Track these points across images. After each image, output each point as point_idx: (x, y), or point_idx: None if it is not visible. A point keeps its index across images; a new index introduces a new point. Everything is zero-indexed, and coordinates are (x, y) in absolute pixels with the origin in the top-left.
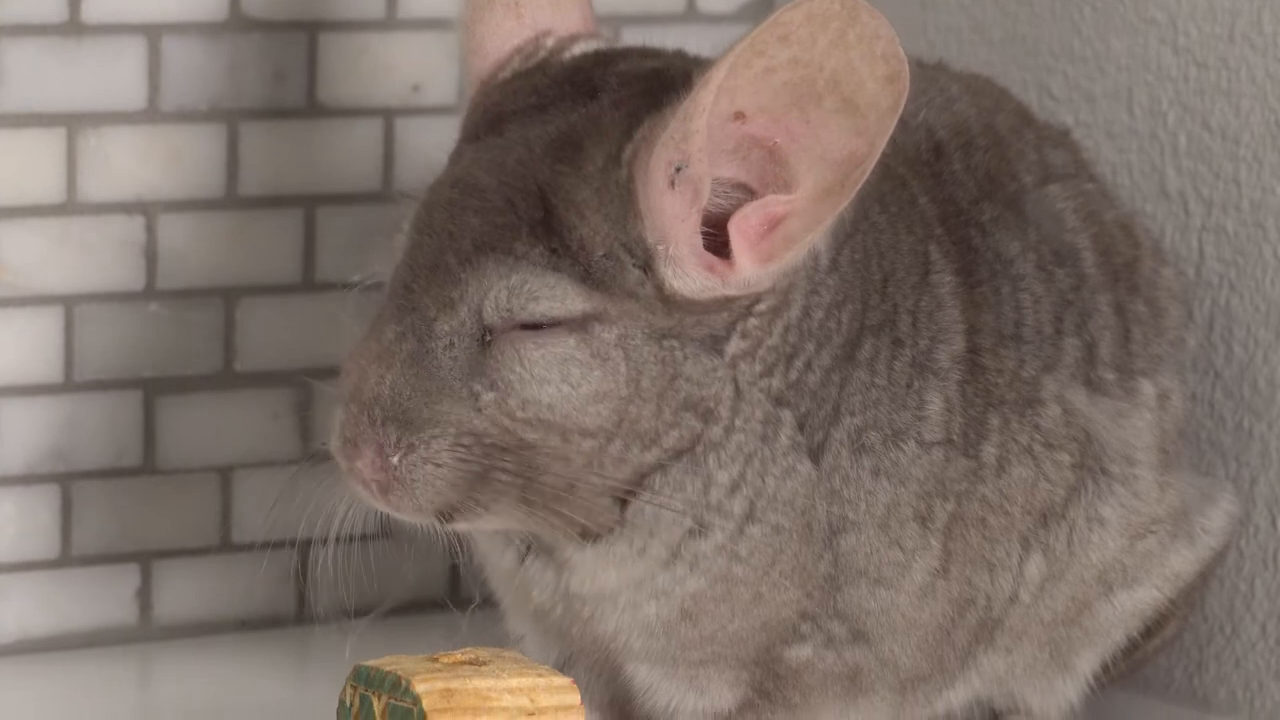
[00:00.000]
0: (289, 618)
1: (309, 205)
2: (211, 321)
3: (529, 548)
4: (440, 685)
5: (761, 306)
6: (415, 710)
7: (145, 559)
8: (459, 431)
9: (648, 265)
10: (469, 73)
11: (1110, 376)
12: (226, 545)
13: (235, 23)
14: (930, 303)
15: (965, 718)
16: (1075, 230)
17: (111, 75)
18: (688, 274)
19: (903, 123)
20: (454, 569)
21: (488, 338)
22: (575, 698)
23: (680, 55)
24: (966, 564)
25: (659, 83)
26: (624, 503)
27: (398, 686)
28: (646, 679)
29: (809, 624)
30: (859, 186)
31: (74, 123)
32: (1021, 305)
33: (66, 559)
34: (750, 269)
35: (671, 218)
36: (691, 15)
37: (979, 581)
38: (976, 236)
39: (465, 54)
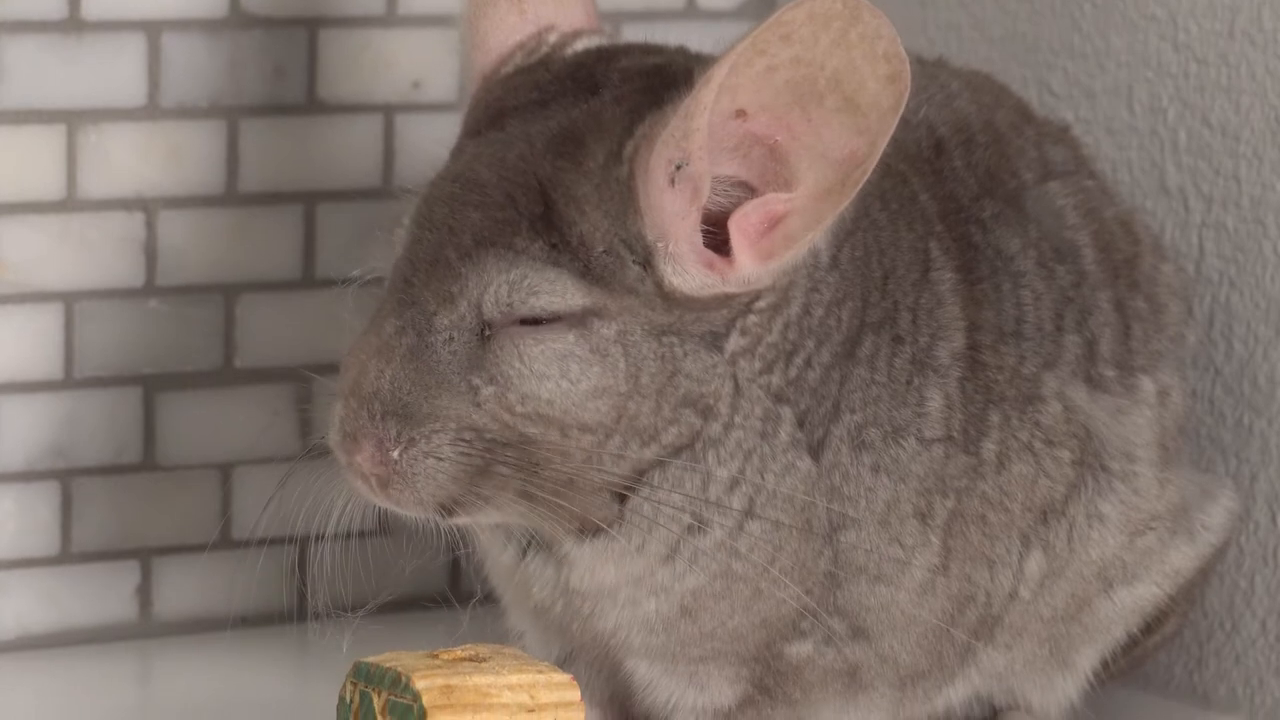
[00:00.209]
0: (289, 614)
1: (309, 202)
2: (211, 318)
3: (529, 544)
4: (440, 682)
5: (761, 304)
6: (415, 706)
7: (145, 555)
8: (460, 426)
9: (647, 262)
10: (471, 68)
11: (1110, 373)
12: (226, 542)
13: (235, 19)
14: (930, 300)
15: (965, 714)
16: (1075, 227)
17: (112, 72)
18: (687, 271)
19: (903, 120)
20: (454, 565)
21: (487, 332)
22: (575, 694)
23: (682, 52)
24: (966, 561)
25: (660, 79)
26: (623, 499)
27: (398, 683)
28: (646, 675)
29: (809, 620)
30: (860, 186)
31: (74, 119)
32: (1022, 302)
33: (66, 555)
34: (750, 267)
35: (671, 215)
36: (692, 12)
37: (979, 578)
38: (977, 233)
39: (468, 49)
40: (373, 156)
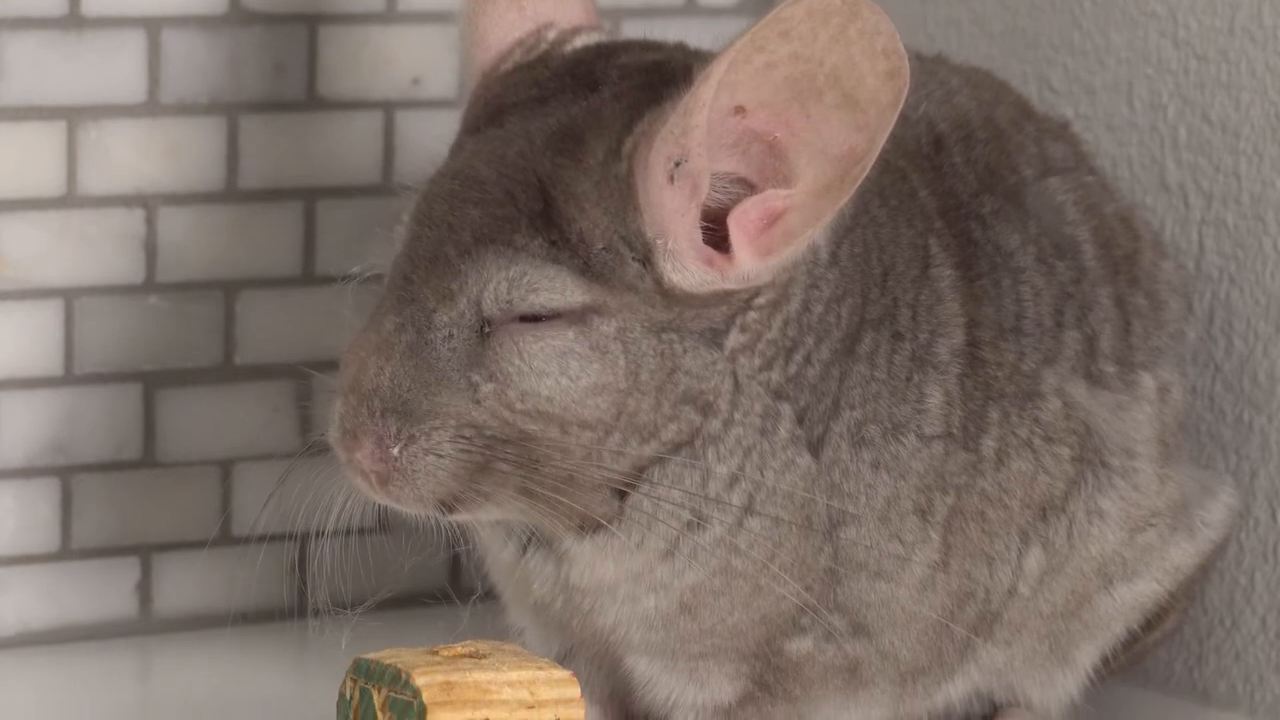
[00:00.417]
0: (289, 611)
1: (309, 198)
2: (211, 314)
3: (529, 541)
4: (440, 678)
5: (761, 300)
6: (415, 703)
7: (145, 552)
8: (459, 423)
9: (647, 259)
10: (470, 64)
11: (1110, 369)
12: (226, 538)
13: (235, 16)
14: (930, 296)
15: (965, 711)
16: (1075, 223)
17: (111, 68)
18: (686, 268)
19: (903, 116)
20: (454, 561)
21: (486, 329)
22: (575, 691)
23: (681, 48)
24: (966, 557)
25: (660, 76)
26: (623, 495)
27: (398, 679)
28: (646, 672)
29: (809, 617)
30: (859, 182)
31: (74, 116)
32: (1022, 298)
33: (66, 552)
34: (749, 263)
35: (671, 212)
36: (692, 8)
37: (978, 575)
38: (976, 229)
39: (467, 46)
40: (373, 153)
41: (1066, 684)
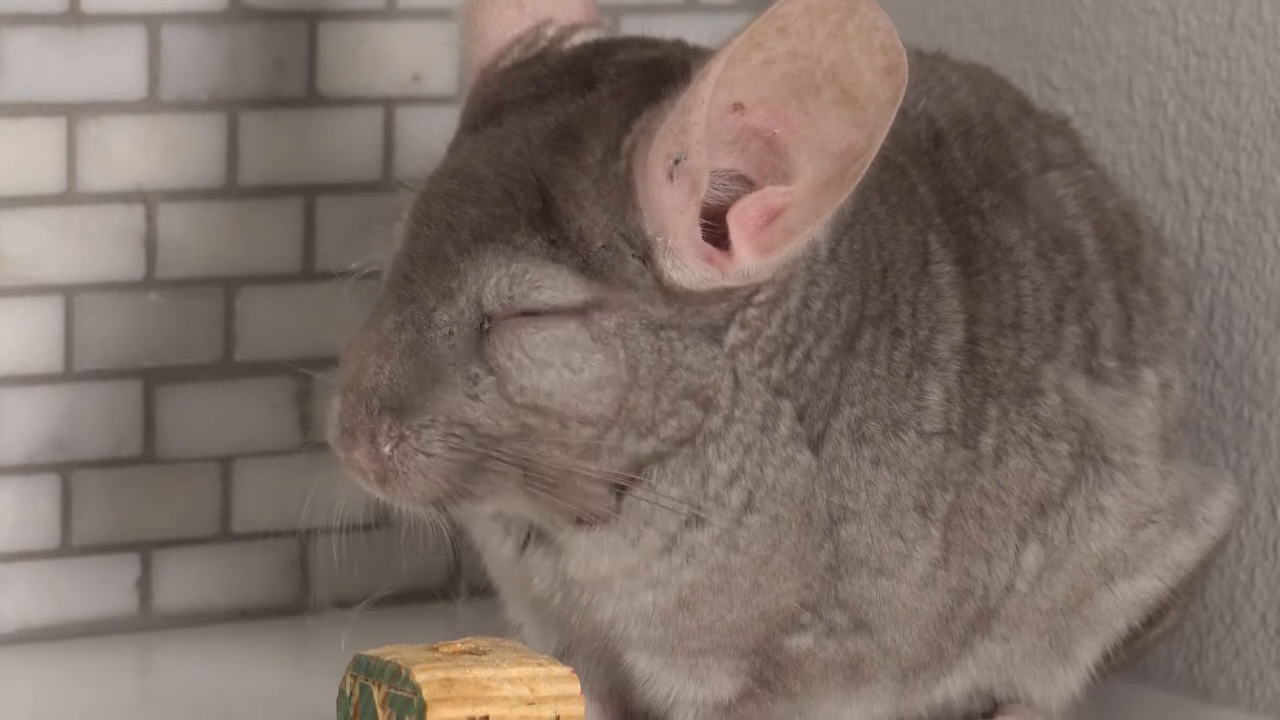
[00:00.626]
0: (289, 607)
1: (309, 195)
2: (211, 311)
3: (529, 537)
4: (440, 674)
5: (760, 297)
6: (415, 699)
7: (145, 548)
8: (450, 420)
9: (647, 256)
10: (470, 61)
11: (1112, 365)
12: (226, 535)
13: (235, 12)
14: (930, 293)
15: (966, 707)
16: (1076, 217)
17: (111, 65)
18: (686, 265)
19: (902, 112)
20: (454, 557)
21: (486, 325)
22: (575, 687)
23: (679, 45)
24: (965, 554)
25: (658, 73)
26: (620, 492)
27: (398, 676)
28: (646, 668)
29: (809, 614)
30: (859, 178)
31: (74, 112)
32: (1021, 293)
33: (66, 548)
34: (749, 260)
35: (670, 209)
36: (691, 5)
37: (976, 571)
38: (976, 224)
39: (466, 42)
40: (372, 149)
41: (1067, 680)
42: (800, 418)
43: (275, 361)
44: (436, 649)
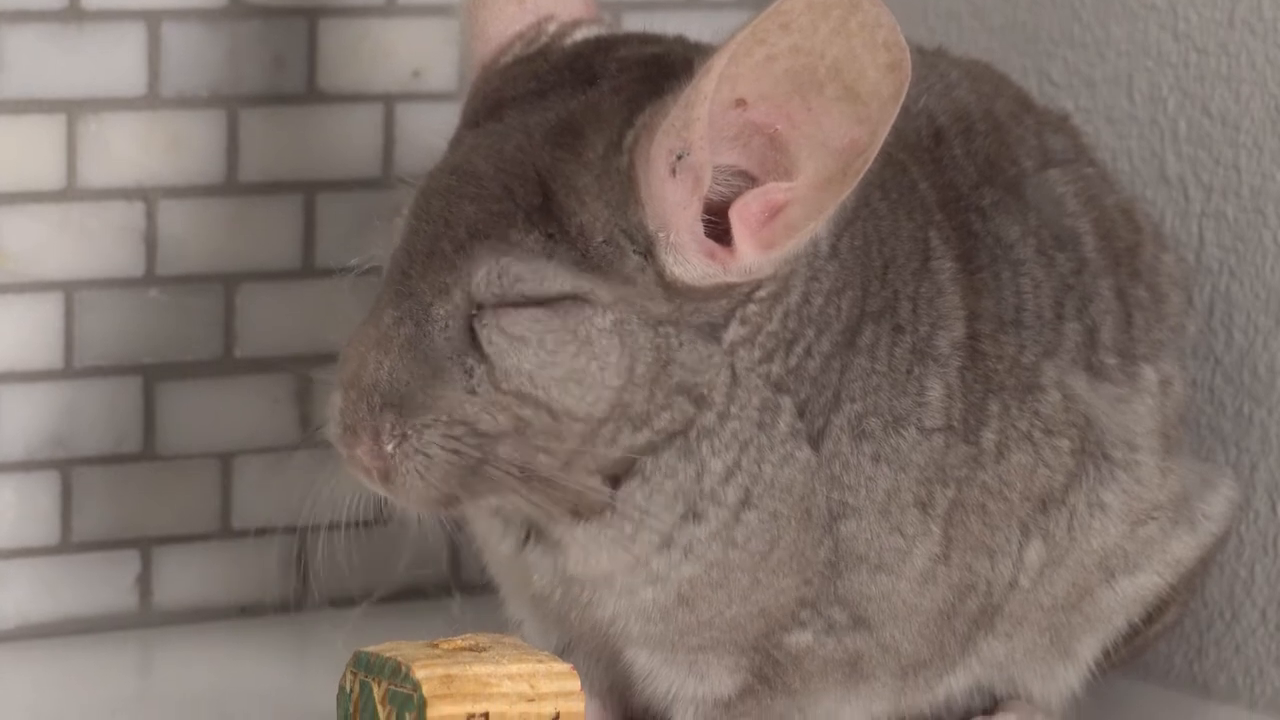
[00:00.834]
0: (289, 604)
1: (309, 191)
2: (211, 307)
3: (528, 534)
4: (440, 671)
5: (762, 293)
6: (415, 696)
7: (145, 545)
8: (450, 420)
9: (648, 252)
10: (470, 57)
11: (1112, 361)
12: (226, 531)
13: (235, 9)
14: (930, 289)
15: (966, 704)
16: (1076, 215)
17: (112, 61)
18: (689, 261)
19: (903, 109)
20: (454, 553)
21: (475, 313)
22: (575, 684)
23: (681, 41)
24: (967, 550)
25: (659, 69)
26: (616, 482)
27: (398, 672)
28: (646, 665)
29: (809, 610)
30: (861, 175)
31: (74, 109)
32: (1022, 290)
33: (66, 545)
34: (751, 256)
35: (673, 205)
36: (693, 2)
37: (979, 567)
38: (977, 222)
39: (467, 39)
40: (372, 146)
41: (1067, 677)
42: (800, 413)
43: (275, 358)
44: (436, 645)
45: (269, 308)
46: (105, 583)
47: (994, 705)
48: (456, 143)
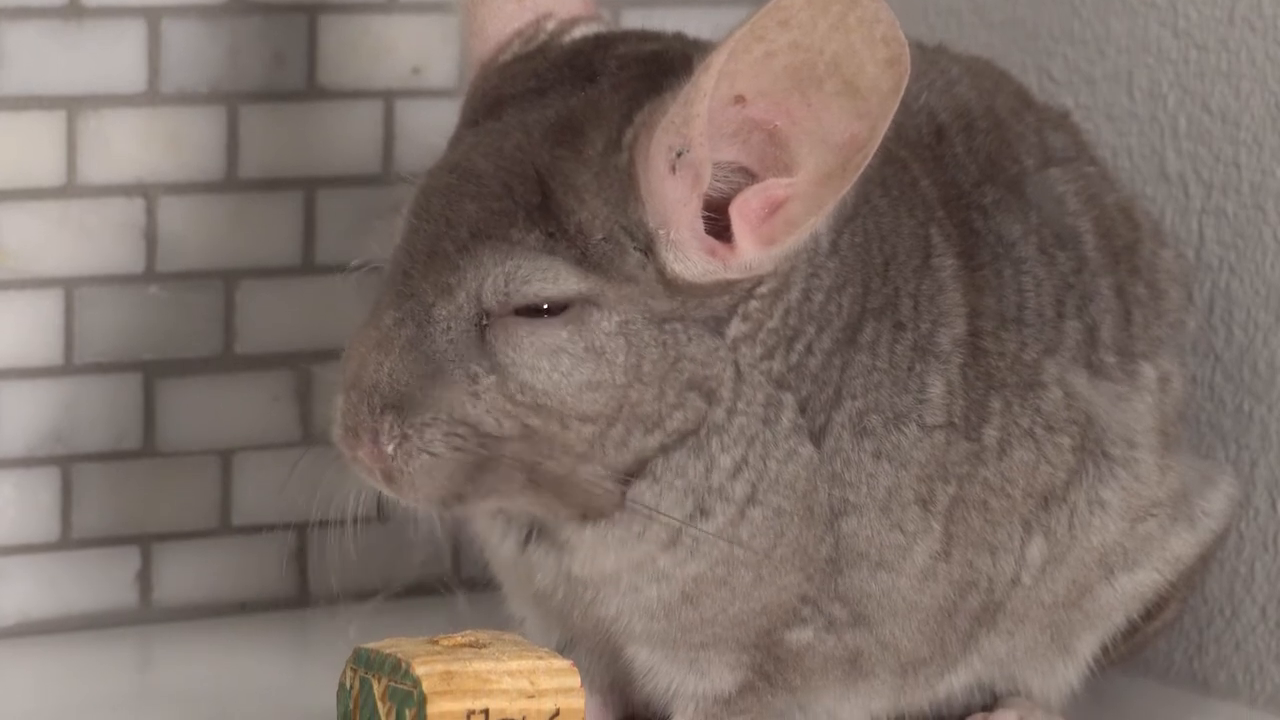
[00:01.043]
0: (289, 600)
1: (309, 188)
2: (211, 304)
3: (530, 533)
4: (440, 668)
5: (762, 289)
6: (415, 692)
7: (145, 541)
8: (452, 419)
9: (649, 249)
10: (469, 56)
11: (1111, 359)
12: (227, 528)
13: (235, 5)
14: (931, 286)
15: (965, 701)
16: (1076, 213)
17: (111, 58)
18: (689, 258)
19: (904, 106)
20: (456, 551)
21: (484, 322)
22: (575, 680)
23: (679, 38)
24: (968, 547)
25: (658, 66)
26: (625, 485)
27: (398, 669)
28: (647, 661)
29: (809, 607)
30: (861, 170)
31: (74, 105)
32: (1023, 288)
33: (67, 541)
34: (751, 252)
35: (673, 202)
36: None
37: (980, 564)
38: (978, 219)
39: (466, 37)
40: (373, 142)
41: (1067, 674)
42: (802, 410)
43: (275, 354)
44: (437, 642)
45: (269, 304)
46: (105, 579)
47: (993, 702)
48: (456, 141)
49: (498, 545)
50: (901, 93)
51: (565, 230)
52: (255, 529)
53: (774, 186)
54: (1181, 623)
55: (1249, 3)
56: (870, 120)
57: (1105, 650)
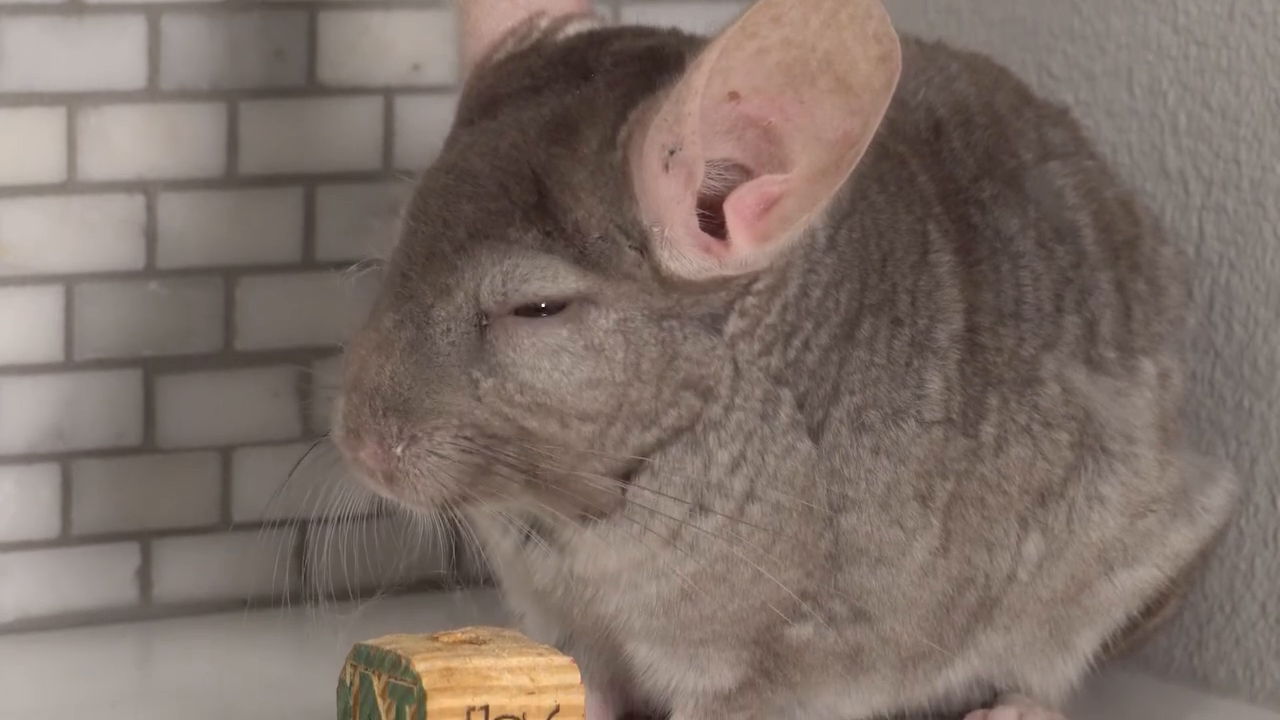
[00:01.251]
0: (289, 597)
1: (309, 184)
2: (211, 300)
3: (530, 532)
4: (440, 664)
5: (759, 285)
6: (415, 689)
7: (145, 538)
8: (460, 422)
9: (644, 247)
10: (464, 55)
11: (1111, 354)
12: (227, 524)
13: (235, 2)
14: (929, 282)
15: (965, 696)
16: (1075, 207)
17: (112, 54)
18: (684, 255)
19: (902, 102)
20: (456, 549)
21: (484, 322)
22: (575, 677)
23: (674, 34)
24: (966, 543)
25: (653, 62)
26: (624, 479)
27: (398, 665)
28: (647, 658)
29: (809, 603)
30: (854, 166)
31: (74, 102)
32: (1021, 283)
33: (67, 538)
34: (746, 249)
35: (667, 200)
36: None
37: (978, 560)
38: (976, 214)
39: (460, 36)
40: (373, 139)
41: (1066, 670)
42: (800, 406)
43: (275, 351)
44: (436, 638)
45: (269, 301)
46: (105, 575)
47: (993, 698)
48: (452, 141)
49: (497, 543)
50: (893, 89)
51: (562, 229)
52: (255, 525)
53: (768, 183)
54: (1181, 619)
55: None
56: (863, 117)
57: (1105, 646)
